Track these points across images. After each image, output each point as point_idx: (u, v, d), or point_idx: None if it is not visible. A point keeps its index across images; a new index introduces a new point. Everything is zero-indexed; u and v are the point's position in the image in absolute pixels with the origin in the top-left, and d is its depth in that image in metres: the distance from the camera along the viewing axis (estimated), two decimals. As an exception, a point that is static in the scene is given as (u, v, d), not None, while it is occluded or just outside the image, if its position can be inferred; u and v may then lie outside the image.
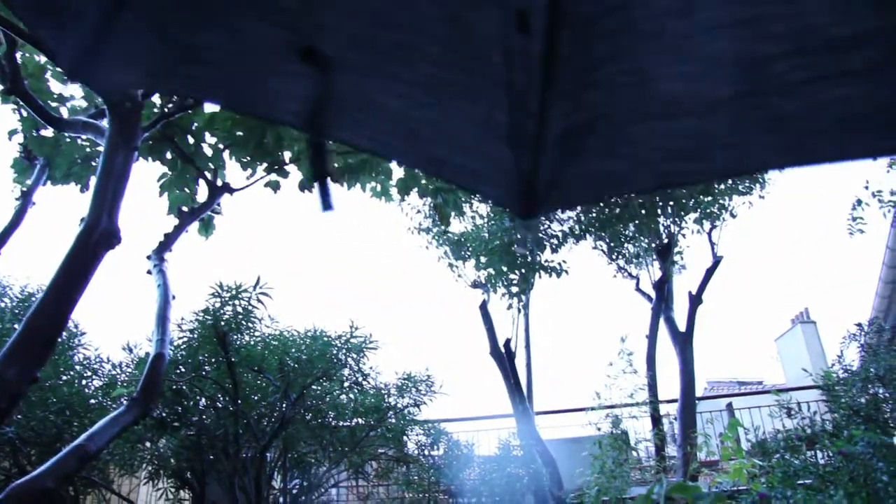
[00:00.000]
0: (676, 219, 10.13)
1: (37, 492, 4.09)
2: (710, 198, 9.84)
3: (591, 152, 1.57)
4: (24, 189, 7.00)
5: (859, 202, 7.64)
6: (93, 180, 5.70)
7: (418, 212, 10.37)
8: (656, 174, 1.66)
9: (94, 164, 6.60)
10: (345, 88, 1.43)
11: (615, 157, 1.59)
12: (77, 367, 8.16)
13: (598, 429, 8.87)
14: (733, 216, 10.33)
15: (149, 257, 6.93)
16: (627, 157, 1.60)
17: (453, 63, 1.47)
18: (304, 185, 6.37)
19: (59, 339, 7.71)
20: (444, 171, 1.60)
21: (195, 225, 7.00)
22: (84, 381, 8.15)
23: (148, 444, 8.36)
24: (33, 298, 7.78)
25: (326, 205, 1.32)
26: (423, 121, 1.53)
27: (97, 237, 5.18)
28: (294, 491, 8.65)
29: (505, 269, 9.42)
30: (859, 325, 9.32)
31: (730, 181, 9.69)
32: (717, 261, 10.39)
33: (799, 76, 1.39)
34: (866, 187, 7.59)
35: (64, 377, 7.92)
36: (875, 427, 7.00)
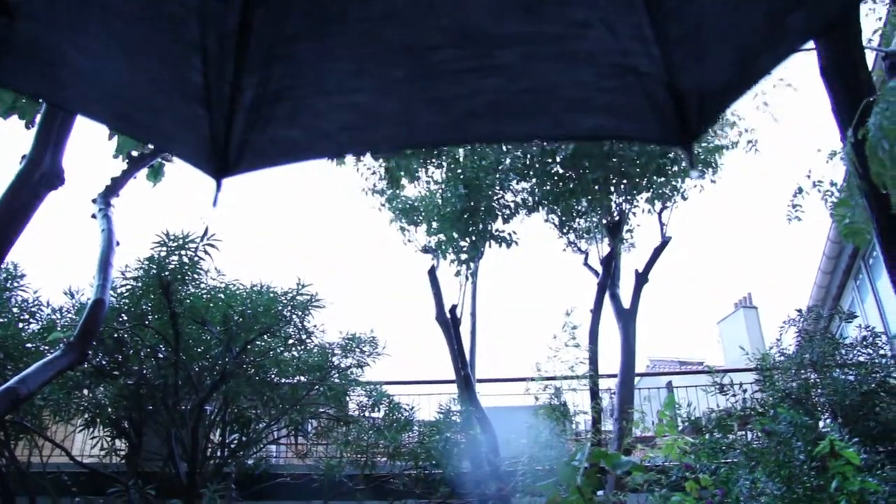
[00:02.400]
0: (629, 197, 10.25)
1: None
2: (662, 178, 9.97)
3: (278, 120, 1.68)
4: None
5: (800, 190, 7.83)
6: (39, 117, 5.53)
7: (373, 173, 10.33)
8: (334, 143, 1.84)
9: (41, 99, 6.41)
10: (31, 38, 1.43)
11: (299, 126, 1.72)
12: (14, 310, 8.00)
13: (536, 399, 9.02)
14: (684, 199, 10.50)
15: (94, 201, 6.80)
16: (310, 127, 1.73)
17: (147, 23, 1.52)
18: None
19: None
20: (136, 130, 1.65)
21: (144, 171, 6.87)
22: (21, 325, 7.99)
23: (85, 392, 8.26)
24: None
25: None
26: (116, 78, 1.55)
27: (39, 176, 5.06)
28: (232, 445, 8.65)
29: (456, 235, 9.44)
30: (799, 311, 9.59)
31: (681, 163, 9.84)
32: (665, 241, 10.57)
33: (458, 66, 1.60)
34: (808, 176, 7.78)
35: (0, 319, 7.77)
36: (803, 410, 7.24)
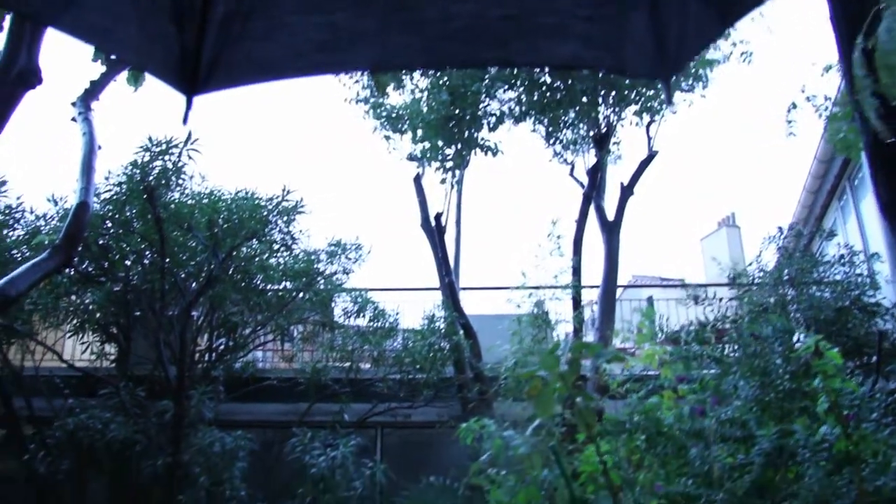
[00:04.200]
0: (616, 109, 10.16)
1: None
2: (651, 91, 9.87)
3: (252, 37, 1.66)
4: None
5: (794, 105, 7.75)
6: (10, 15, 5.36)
7: (356, 82, 10.17)
8: (309, 62, 1.82)
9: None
10: None
11: (274, 43, 1.70)
12: (-3, 216, 7.95)
13: (518, 306, 9.13)
14: (673, 113, 10.43)
15: (74, 104, 6.69)
16: (284, 45, 1.71)
17: None
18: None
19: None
20: (106, 43, 1.63)
21: (124, 74, 6.72)
22: (5, 231, 7.96)
23: (73, 298, 8.31)
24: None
25: None
26: None
27: (16, 74, 4.95)
28: (219, 350, 8.78)
29: (441, 143, 9.39)
30: (780, 228, 9.68)
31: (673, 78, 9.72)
32: (651, 155, 10.54)
33: None
34: (802, 91, 7.70)
35: (-17, 225, 7.73)
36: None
